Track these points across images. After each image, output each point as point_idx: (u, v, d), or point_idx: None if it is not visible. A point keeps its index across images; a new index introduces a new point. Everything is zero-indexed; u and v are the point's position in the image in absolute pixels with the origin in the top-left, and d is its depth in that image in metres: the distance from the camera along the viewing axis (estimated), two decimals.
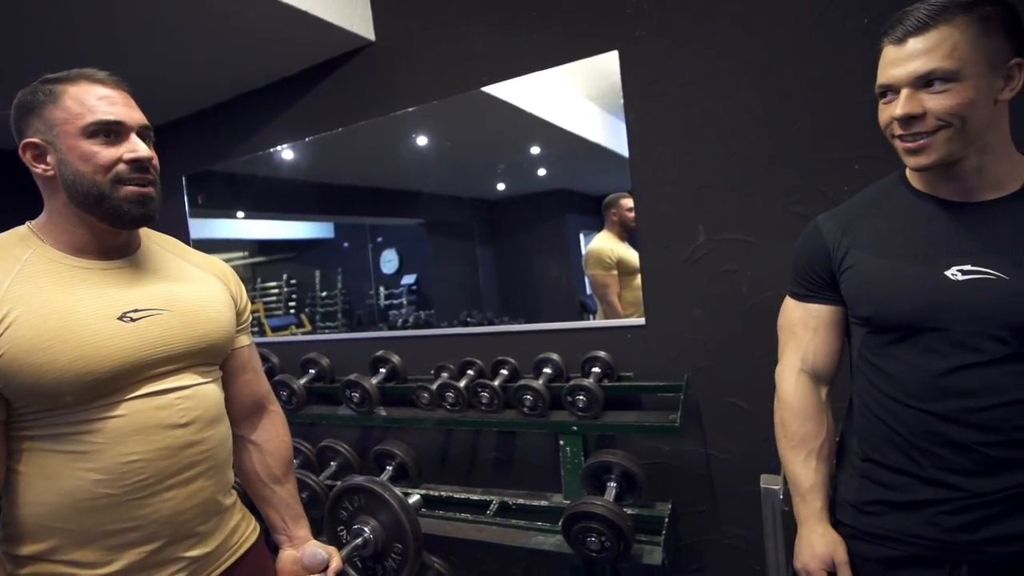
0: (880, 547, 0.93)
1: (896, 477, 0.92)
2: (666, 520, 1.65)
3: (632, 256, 1.92)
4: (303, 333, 2.78)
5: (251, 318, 1.17)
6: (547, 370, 1.98)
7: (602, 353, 1.91)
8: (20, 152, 0.87)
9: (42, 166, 0.87)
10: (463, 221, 2.32)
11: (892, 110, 0.83)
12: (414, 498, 1.10)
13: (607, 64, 1.86)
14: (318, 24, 2.08)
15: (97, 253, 0.90)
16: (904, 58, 0.81)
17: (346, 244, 2.69)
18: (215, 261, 1.11)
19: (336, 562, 1.06)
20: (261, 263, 2.95)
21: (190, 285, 1.00)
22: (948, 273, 0.84)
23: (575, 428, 1.79)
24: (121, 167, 0.86)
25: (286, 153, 2.63)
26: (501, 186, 2.18)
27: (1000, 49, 0.79)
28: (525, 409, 1.87)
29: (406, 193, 2.41)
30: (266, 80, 2.59)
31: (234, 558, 1.01)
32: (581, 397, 1.77)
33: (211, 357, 1.00)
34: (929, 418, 0.87)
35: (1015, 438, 0.82)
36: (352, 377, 2.11)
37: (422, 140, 2.28)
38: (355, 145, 2.43)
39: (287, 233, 2.94)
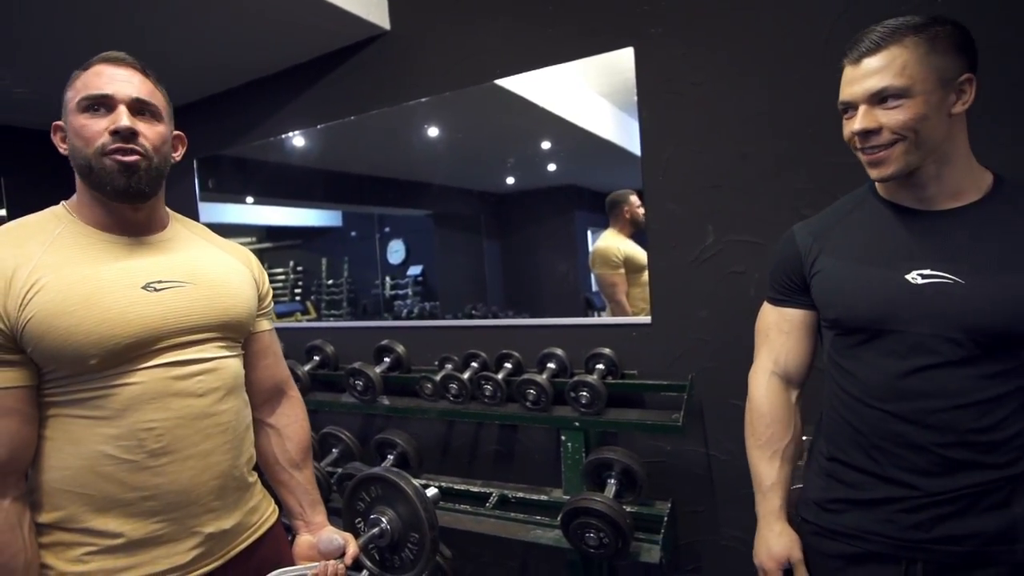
0: (841, 543, 0.97)
1: (858, 476, 0.96)
2: (665, 519, 1.66)
3: (639, 253, 1.91)
4: (308, 320, 2.79)
5: (272, 305, 1.18)
6: (551, 365, 1.98)
7: (607, 350, 1.91)
8: (52, 135, 0.93)
9: (64, 146, 0.92)
10: (471, 214, 2.32)
11: (852, 125, 0.88)
12: (432, 491, 1.11)
13: (621, 61, 1.85)
14: (334, 12, 2.08)
15: (122, 227, 0.94)
16: (860, 77, 0.86)
17: (353, 233, 2.69)
18: (239, 247, 1.15)
19: (353, 548, 1.06)
20: (268, 249, 2.96)
21: (214, 262, 1.03)
22: (909, 277, 0.89)
23: (577, 424, 1.79)
24: (105, 138, 0.87)
25: (297, 140, 2.63)
26: (510, 180, 2.18)
27: (950, 66, 0.83)
28: (528, 403, 1.88)
29: (415, 184, 2.41)
30: (279, 66, 2.58)
31: (252, 539, 1.03)
32: (584, 393, 1.77)
33: (232, 332, 1.02)
34: (889, 418, 0.91)
35: (968, 440, 0.86)
36: (356, 365, 2.12)
37: (433, 131, 2.28)
38: (366, 134, 2.43)
39: (295, 220, 2.94)
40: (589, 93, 1.95)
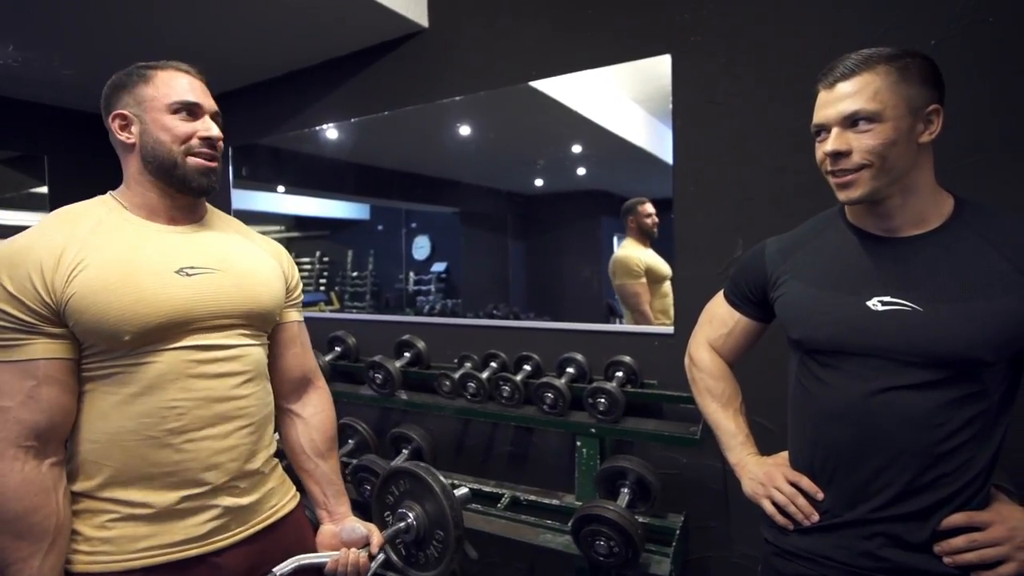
0: (796, 564, 0.99)
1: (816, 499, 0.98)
2: (678, 532, 1.64)
3: (660, 264, 1.90)
4: (331, 311, 2.82)
5: (302, 297, 1.22)
6: (570, 370, 1.98)
7: (627, 358, 1.90)
8: (109, 120, 1.00)
9: (125, 134, 0.99)
10: (497, 213, 2.32)
11: (824, 147, 0.91)
12: (462, 490, 1.12)
13: (658, 67, 1.84)
14: (374, 7, 2.10)
15: (165, 216, 1.02)
16: (833, 100, 0.89)
17: (380, 227, 2.72)
18: (270, 240, 1.19)
19: (377, 538, 1.08)
20: (296, 238, 3.00)
21: (245, 253, 1.08)
22: (869, 304, 0.91)
23: (594, 430, 1.78)
24: (194, 141, 0.99)
25: (331, 132, 2.67)
26: (539, 182, 2.18)
27: (918, 95, 0.86)
28: (545, 407, 1.87)
29: (444, 181, 2.43)
30: (318, 59, 2.62)
31: (269, 522, 1.05)
32: (602, 400, 1.76)
33: (258, 321, 1.06)
34: (850, 440, 0.93)
35: (929, 464, 0.87)
36: (377, 358, 2.14)
37: (465, 130, 2.29)
38: (399, 130, 2.46)
39: (324, 211, 2.98)
40: (622, 98, 1.94)
